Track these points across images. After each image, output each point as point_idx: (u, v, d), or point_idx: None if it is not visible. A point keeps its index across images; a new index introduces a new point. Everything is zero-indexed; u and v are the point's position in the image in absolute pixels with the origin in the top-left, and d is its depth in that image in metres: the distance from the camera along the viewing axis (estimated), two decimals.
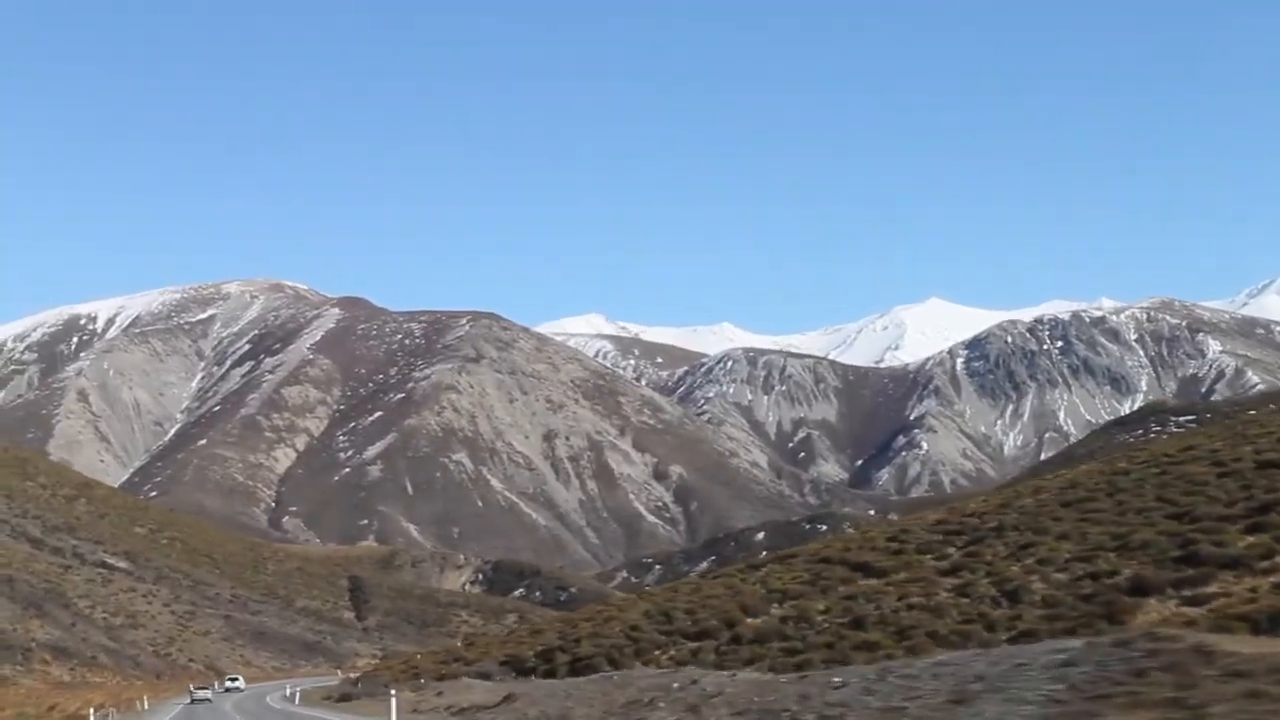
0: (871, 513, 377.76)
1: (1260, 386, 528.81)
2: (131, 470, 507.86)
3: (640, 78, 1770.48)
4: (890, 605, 50.24)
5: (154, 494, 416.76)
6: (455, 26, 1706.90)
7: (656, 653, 58.92)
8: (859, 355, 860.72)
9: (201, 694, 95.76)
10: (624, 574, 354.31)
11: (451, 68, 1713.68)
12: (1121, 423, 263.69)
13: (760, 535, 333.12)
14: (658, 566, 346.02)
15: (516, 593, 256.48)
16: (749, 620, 57.13)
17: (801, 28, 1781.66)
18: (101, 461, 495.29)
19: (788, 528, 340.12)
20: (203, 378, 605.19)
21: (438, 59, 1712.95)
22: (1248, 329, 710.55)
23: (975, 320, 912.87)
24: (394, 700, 50.45)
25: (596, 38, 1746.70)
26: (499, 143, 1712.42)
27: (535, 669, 66.51)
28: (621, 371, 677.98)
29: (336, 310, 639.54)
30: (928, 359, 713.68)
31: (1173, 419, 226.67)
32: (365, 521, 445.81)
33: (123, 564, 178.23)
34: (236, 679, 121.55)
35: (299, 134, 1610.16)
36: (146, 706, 76.99)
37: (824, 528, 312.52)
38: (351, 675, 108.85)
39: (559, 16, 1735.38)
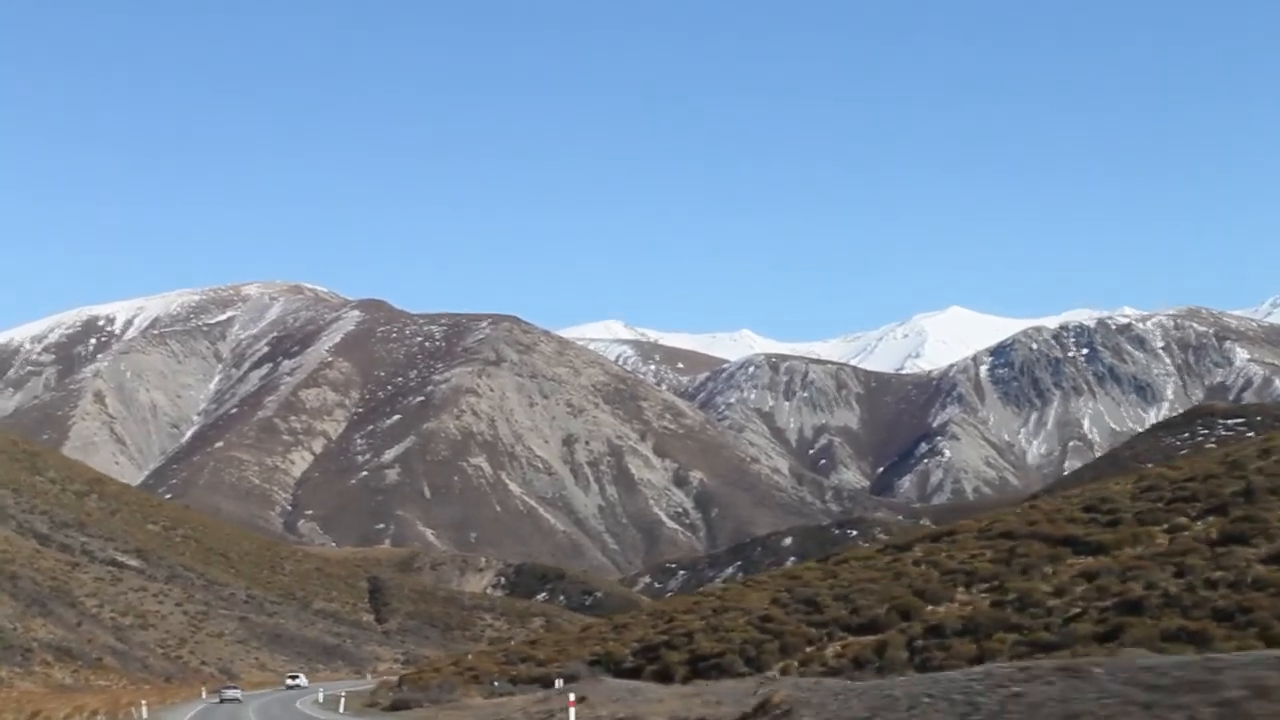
0: (900, 518, 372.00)
1: None
2: (147, 473, 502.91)
3: (660, 85, 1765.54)
4: (1162, 583, 43.74)
5: (169, 497, 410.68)
6: (474, 32, 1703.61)
7: (811, 648, 53.03)
8: (879, 363, 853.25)
9: (232, 694, 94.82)
10: (646, 579, 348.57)
11: (472, 73, 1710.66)
12: (1166, 426, 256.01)
13: (788, 540, 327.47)
14: (681, 572, 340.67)
15: (540, 596, 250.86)
16: (931, 608, 51.49)
17: (821, 35, 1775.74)
18: (117, 464, 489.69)
19: (817, 533, 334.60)
20: (220, 380, 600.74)
21: (458, 64, 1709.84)
22: (1275, 337, 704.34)
23: (996, 328, 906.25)
24: (572, 712, 45.24)
25: (616, 45, 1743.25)
26: (517, 147, 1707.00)
27: (639, 669, 61.34)
28: (642, 377, 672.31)
29: (356, 312, 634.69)
30: (951, 366, 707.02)
31: (1220, 422, 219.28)
32: (382, 525, 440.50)
33: (134, 562, 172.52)
34: (297, 676, 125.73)
35: (319, 137, 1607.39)
36: (145, 715, 70.14)
37: (854, 533, 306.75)
38: (390, 678, 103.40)
39: (578, 23, 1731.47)
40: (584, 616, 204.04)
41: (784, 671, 49.62)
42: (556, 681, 60.06)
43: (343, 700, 79.34)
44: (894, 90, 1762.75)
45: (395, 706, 69.37)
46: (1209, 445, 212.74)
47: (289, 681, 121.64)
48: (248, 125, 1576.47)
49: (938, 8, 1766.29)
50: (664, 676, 56.30)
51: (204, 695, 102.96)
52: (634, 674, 60.05)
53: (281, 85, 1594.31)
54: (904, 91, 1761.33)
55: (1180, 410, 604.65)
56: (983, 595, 51.22)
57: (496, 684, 67.05)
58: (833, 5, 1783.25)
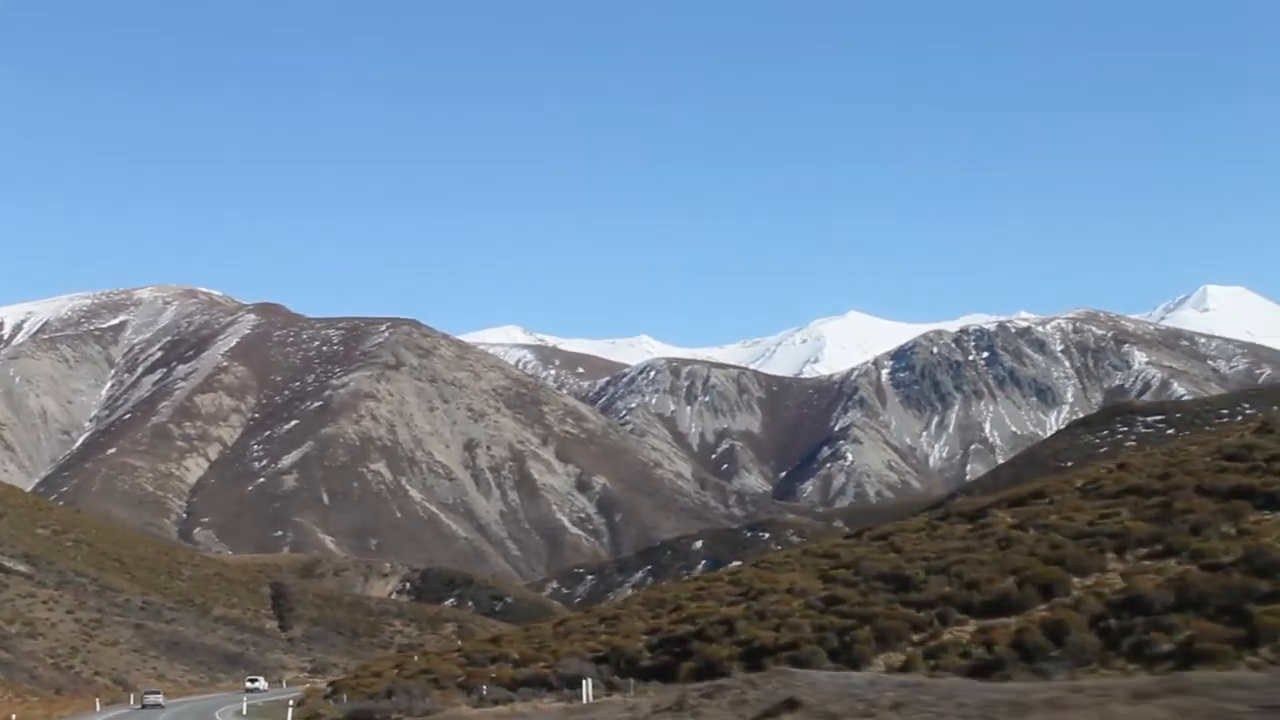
0: (810, 520, 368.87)
1: (1186, 398, 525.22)
2: (37, 480, 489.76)
3: (557, 91, 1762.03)
4: None
5: (60, 504, 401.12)
6: (367, 34, 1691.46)
7: (920, 635, 45.94)
8: (778, 368, 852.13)
9: (153, 699, 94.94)
10: (554, 584, 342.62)
11: (365, 75, 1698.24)
12: (1084, 424, 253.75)
13: (698, 544, 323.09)
14: (589, 577, 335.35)
15: (448, 602, 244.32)
16: (1078, 579, 44.54)
17: (716, 42, 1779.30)
18: (5, 471, 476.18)
19: (728, 536, 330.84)
20: (113, 385, 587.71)
21: (350, 66, 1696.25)
22: (1172, 340, 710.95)
23: (895, 333, 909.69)
24: None
25: (511, 47, 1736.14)
26: (414, 151, 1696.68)
27: (667, 666, 54.32)
28: (543, 381, 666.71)
29: (252, 316, 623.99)
30: (852, 369, 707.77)
31: (1139, 419, 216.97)
32: (280, 533, 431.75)
33: (21, 567, 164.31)
34: (257, 680, 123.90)
35: (213, 139, 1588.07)
36: None
37: (765, 535, 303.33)
38: (317, 685, 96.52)
39: (468, 26, 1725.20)
40: (497, 622, 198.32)
41: (906, 665, 42.22)
42: (585, 683, 51.71)
43: (290, 711, 71.21)
44: (787, 95, 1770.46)
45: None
46: (1129, 443, 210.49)
47: (249, 684, 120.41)
48: (140, 126, 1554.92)
49: (826, 11, 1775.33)
50: (708, 673, 48.16)
51: (131, 701, 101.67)
52: (659, 673, 53.27)
53: (172, 87, 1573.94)
54: (797, 97, 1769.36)
55: (1081, 413, 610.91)
56: (1147, 561, 44.55)
57: (486, 689, 58.87)
58: (722, 8, 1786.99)
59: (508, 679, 58.91)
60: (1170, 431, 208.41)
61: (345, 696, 66.46)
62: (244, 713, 77.08)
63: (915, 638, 45.92)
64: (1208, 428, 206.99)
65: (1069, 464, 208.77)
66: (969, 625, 44.90)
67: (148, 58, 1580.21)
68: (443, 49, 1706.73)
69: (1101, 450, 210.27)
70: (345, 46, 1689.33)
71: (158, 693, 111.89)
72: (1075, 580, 44.45)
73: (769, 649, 49.96)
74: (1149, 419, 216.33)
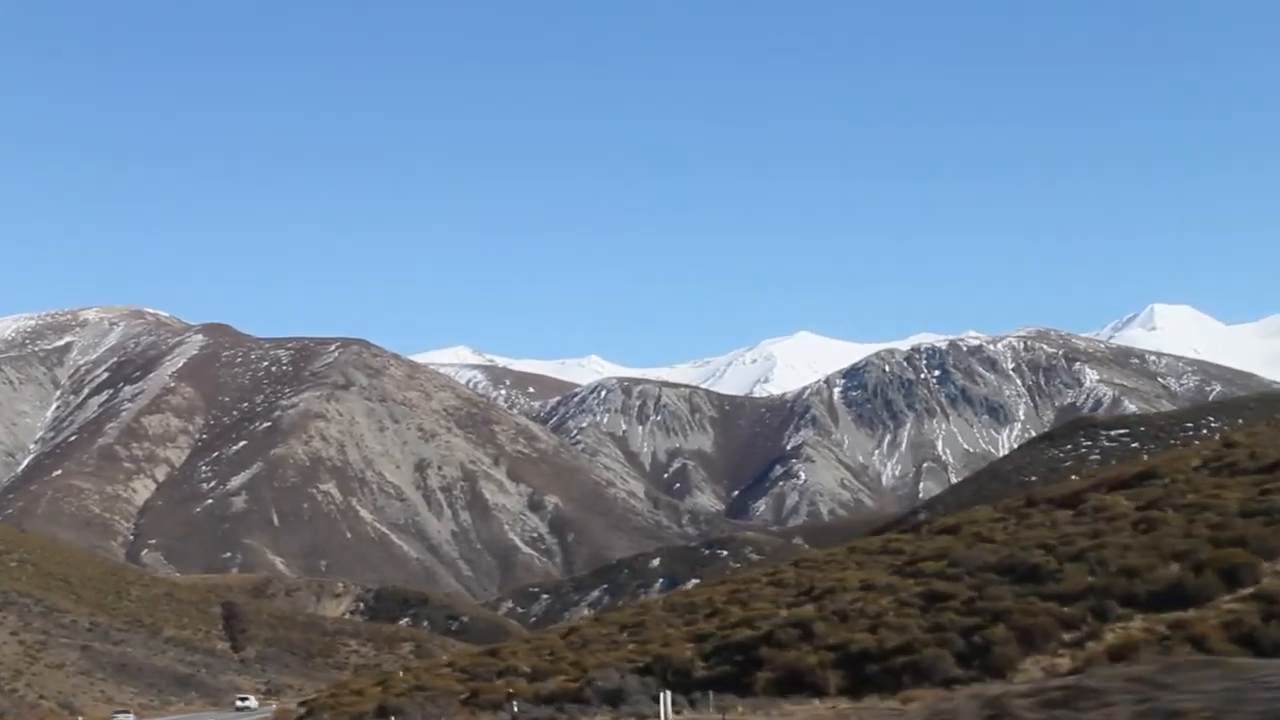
0: (768, 536, 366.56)
1: (1140, 414, 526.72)
2: None
3: (502, 108, 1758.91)
4: None
5: (3, 524, 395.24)
6: (317, 51, 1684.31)
7: (1069, 634, 40.10)
8: (728, 389, 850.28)
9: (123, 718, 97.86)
10: (509, 604, 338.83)
11: (313, 92, 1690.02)
12: (1048, 438, 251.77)
13: (655, 562, 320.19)
14: (545, 596, 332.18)
15: (403, 621, 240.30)
16: (1268, 564, 39.19)
17: (666, 58, 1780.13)
18: None
19: (685, 554, 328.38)
20: (58, 407, 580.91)
21: (300, 83, 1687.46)
22: (1123, 358, 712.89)
23: (845, 353, 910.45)
24: None
25: (457, 65, 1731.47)
26: (360, 169, 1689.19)
27: (737, 677, 47.53)
28: (494, 401, 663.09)
29: (200, 337, 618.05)
30: (805, 388, 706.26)
31: (1102, 433, 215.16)
32: (229, 554, 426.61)
33: None
34: (247, 698, 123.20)
35: (158, 158, 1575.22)
36: None
37: (724, 553, 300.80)
38: (288, 707, 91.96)
39: (421, 43, 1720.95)
40: (456, 641, 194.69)
41: (1079, 669, 34.33)
42: (664, 697, 43.80)
43: None
44: (737, 112, 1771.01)
45: None
46: (1093, 457, 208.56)
47: (239, 704, 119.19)
48: (84, 145, 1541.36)
49: (776, 27, 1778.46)
50: (792, 684, 43.40)
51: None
52: (720, 684, 46.68)
53: (116, 105, 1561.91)
54: (747, 114, 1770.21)
55: (1033, 431, 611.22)
56: None
57: (518, 706, 51.38)
58: (670, 24, 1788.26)
59: (528, 694, 52.72)
60: (1134, 445, 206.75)
61: (326, 717, 61.14)
62: None
63: (1067, 636, 40.49)
64: (1173, 441, 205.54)
65: (1033, 479, 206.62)
66: (1134, 620, 39.37)
67: (91, 75, 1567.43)
68: (389, 68, 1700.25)
69: (1065, 464, 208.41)
70: (292, 65, 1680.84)
71: (128, 712, 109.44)
72: (1264, 563, 39.46)
73: (873, 654, 44.66)
74: (1112, 433, 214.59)
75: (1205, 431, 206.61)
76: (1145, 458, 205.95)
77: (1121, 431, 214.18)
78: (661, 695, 43.74)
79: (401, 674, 64.96)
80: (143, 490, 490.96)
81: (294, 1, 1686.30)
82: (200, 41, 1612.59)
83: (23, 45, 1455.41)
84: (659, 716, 43.09)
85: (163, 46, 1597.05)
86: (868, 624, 47.41)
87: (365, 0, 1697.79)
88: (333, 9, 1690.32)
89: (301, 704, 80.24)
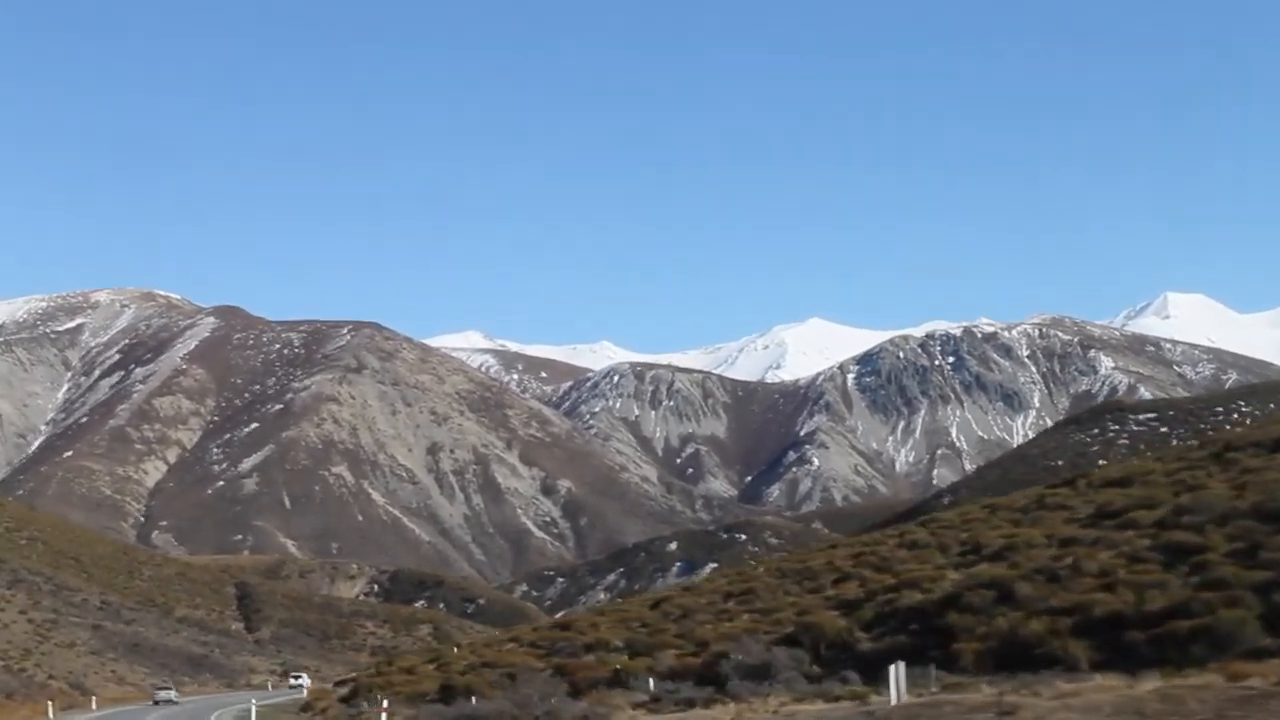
0: (786, 520, 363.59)
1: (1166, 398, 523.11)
2: None
3: (512, 94, 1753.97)
4: None
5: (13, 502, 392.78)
6: (324, 39, 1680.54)
7: None
8: (740, 375, 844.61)
9: (164, 694, 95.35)
10: (523, 587, 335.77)
11: (322, 80, 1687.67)
12: (1075, 422, 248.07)
13: (673, 545, 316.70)
14: (560, 580, 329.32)
15: (419, 604, 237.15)
16: None
17: (671, 49, 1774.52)
18: None
19: (703, 537, 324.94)
20: (70, 388, 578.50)
21: (310, 70, 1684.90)
22: (1138, 346, 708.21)
23: (857, 340, 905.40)
24: None
25: (463, 53, 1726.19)
26: (371, 154, 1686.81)
27: (908, 651, 37.39)
28: (507, 385, 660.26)
29: (211, 319, 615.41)
30: (818, 374, 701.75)
31: (1131, 417, 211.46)
32: (240, 537, 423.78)
33: None
34: (301, 676, 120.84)
35: (171, 142, 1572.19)
36: None
37: (742, 537, 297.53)
38: (325, 687, 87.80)
39: (422, 32, 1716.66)
40: (474, 624, 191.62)
41: None
42: (896, 670, 33.17)
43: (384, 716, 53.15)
44: (747, 101, 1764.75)
45: None
46: (1121, 441, 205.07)
47: (292, 681, 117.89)
48: (97, 128, 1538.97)
49: (785, 17, 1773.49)
50: (1018, 658, 34.86)
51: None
52: (894, 657, 34.95)
53: (128, 90, 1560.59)
54: (757, 103, 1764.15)
55: (1048, 418, 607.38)
56: None
57: (654, 686, 42.76)
58: (677, 14, 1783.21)
59: (639, 671, 44.19)
60: (1164, 430, 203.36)
61: (381, 699, 52.30)
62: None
63: None
64: (1202, 425, 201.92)
65: (1059, 463, 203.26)
66: None
67: (102, 61, 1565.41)
68: (400, 53, 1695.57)
69: (1093, 449, 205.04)
70: (303, 51, 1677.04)
71: (170, 688, 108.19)
72: None
73: (1128, 619, 36.10)
74: (1140, 417, 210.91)
75: (1235, 416, 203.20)
76: (1174, 443, 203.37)
77: (1150, 416, 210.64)
78: (893, 669, 33.15)
79: (456, 650, 58.03)
80: (154, 472, 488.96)
81: None
82: (210, 24, 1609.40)
83: (33, 34, 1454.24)
84: (893, 696, 33.06)
85: (173, 33, 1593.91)
86: (1093, 584, 39.34)
87: None
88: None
89: (340, 683, 75.49)
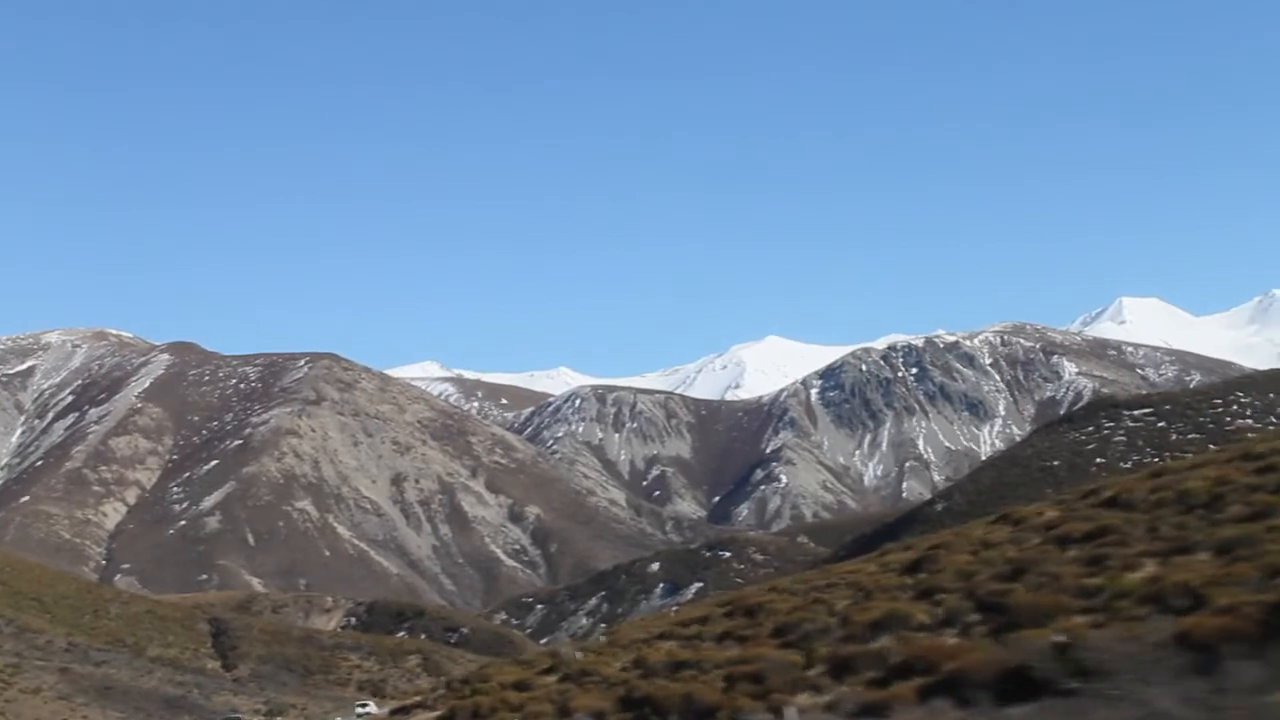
0: (771, 535, 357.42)
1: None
2: None
3: (463, 127, 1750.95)
4: None
5: None
6: (284, 73, 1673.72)
7: None
8: (700, 395, 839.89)
9: None
10: (502, 615, 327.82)
11: (272, 115, 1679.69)
12: (1067, 420, 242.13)
13: (655, 566, 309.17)
14: (539, 607, 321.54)
15: (400, 635, 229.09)
16: None
17: (629, 72, 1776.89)
18: None
19: (686, 556, 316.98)
20: (23, 432, 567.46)
21: (260, 105, 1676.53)
22: (1100, 350, 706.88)
23: (815, 356, 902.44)
24: None
25: (416, 89, 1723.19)
26: (317, 189, 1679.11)
27: None
28: (468, 412, 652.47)
29: (165, 356, 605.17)
30: (781, 391, 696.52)
31: (1125, 413, 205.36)
32: (205, 576, 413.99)
33: None
34: (367, 704, 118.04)
35: (115, 179, 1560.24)
36: None
37: (727, 554, 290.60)
38: (388, 714, 76.83)
39: (385, 69, 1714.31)
40: (466, 653, 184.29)
41: None
42: None
43: None
44: (699, 124, 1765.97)
45: None
46: (1117, 438, 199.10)
47: (359, 711, 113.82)
48: (40, 167, 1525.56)
49: (746, 36, 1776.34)
50: None
51: None
52: None
53: (73, 128, 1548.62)
54: (711, 126, 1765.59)
55: (1014, 426, 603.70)
56: None
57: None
58: (638, 35, 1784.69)
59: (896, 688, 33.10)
60: (1161, 425, 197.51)
61: None
62: None
63: None
64: (1201, 419, 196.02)
65: (1055, 463, 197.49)
66: None
67: (49, 98, 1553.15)
68: (355, 88, 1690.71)
69: (1088, 447, 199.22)
70: (254, 87, 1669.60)
71: (367, 705, 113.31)
72: None
73: None
74: (1136, 413, 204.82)
75: (1235, 408, 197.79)
76: (1174, 438, 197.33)
77: (1145, 411, 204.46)
78: None
79: (579, 655, 48.04)
80: (113, 514, 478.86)
81: (278, 30, 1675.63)
82: (159, 60, 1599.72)
83: None
84: None
85: (123, 69, 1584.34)
86: None
87: (346, 25, 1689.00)
88: (300, 27, 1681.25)
89: (400, 710, 64.67)
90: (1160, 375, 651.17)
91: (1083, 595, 25.68)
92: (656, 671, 35.61)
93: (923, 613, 30.42)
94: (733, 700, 27.45)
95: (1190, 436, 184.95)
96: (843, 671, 27.73)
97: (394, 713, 65.64)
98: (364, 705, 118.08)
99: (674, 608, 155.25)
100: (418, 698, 71.98)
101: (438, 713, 49.34)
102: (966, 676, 21.67)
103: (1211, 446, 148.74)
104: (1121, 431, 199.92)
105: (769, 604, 42.41)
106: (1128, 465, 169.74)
